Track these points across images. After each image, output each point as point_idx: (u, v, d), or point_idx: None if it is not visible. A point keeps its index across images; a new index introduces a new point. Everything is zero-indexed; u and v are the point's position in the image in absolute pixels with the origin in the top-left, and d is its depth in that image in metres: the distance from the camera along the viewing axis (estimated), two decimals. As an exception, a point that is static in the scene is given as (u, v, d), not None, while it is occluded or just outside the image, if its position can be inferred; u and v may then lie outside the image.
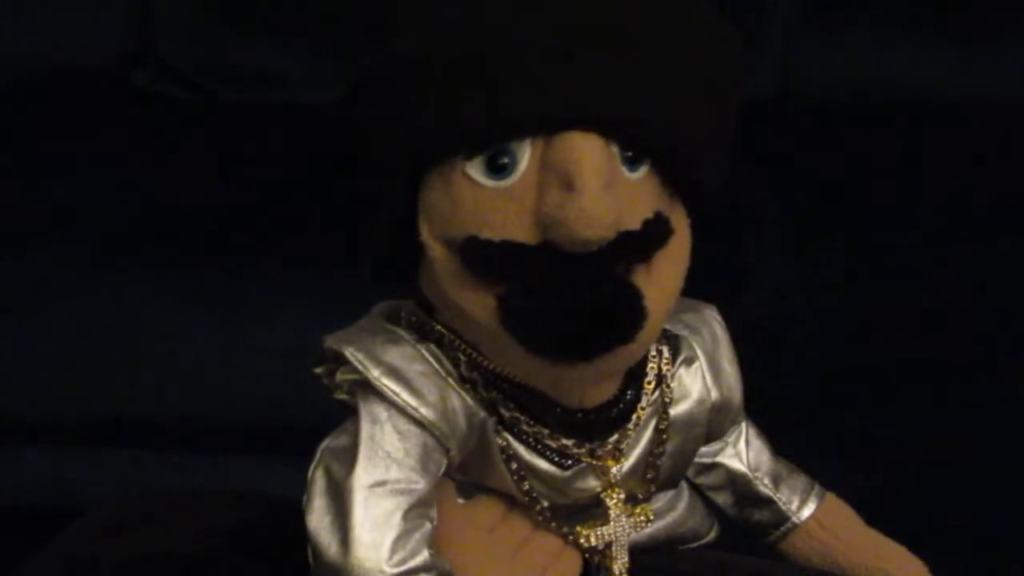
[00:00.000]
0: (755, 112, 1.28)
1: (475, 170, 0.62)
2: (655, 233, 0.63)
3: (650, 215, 0.63)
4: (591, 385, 0.67)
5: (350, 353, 0.66)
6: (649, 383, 0.70)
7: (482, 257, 0.62)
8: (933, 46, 1.39)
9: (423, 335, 0.68)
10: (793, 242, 1.24)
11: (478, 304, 0.63)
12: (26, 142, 1.32)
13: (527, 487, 0.69)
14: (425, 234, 0.65)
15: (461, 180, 0.63)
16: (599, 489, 0.69)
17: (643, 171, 0.63)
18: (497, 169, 0.62)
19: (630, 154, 0.63)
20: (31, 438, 1.20)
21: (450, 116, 0.62)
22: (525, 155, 0.62)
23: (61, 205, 1.26)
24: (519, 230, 0.62)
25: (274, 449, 1.16)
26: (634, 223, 0.62)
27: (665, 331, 0.71)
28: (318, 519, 0.65)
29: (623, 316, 0.62)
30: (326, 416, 0.69)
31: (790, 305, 1.19)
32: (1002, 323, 1.18)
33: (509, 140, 0.62)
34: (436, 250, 0.64)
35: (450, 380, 0.67)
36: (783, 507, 0.77)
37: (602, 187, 0.60)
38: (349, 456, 0.65)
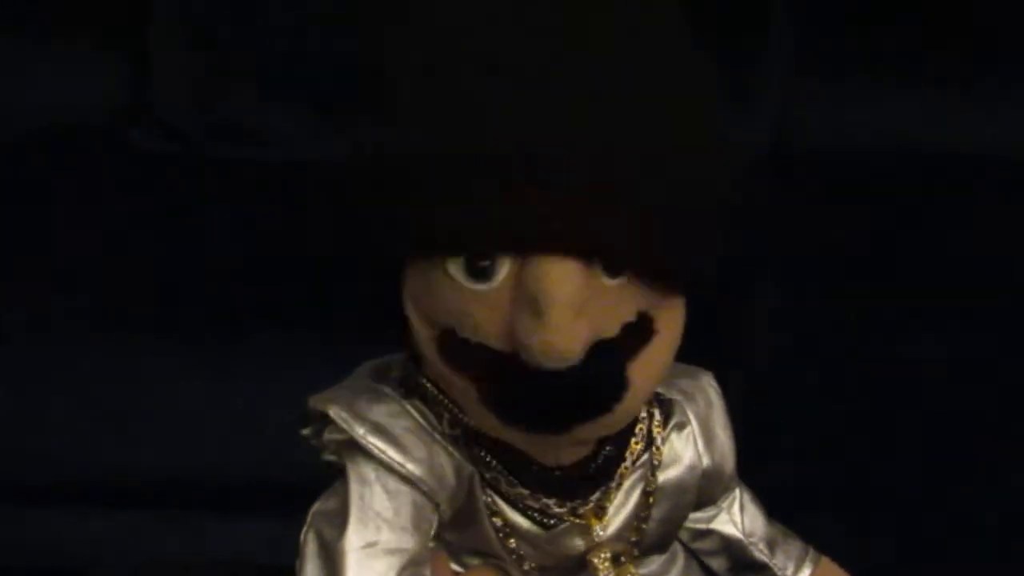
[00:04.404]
0: (750, 166, 1.29)
1: (456, 270, 0.61)
2: (633, 337, 0.62)
3: (631, 318, 0.62)
4: (567, 447, 0.67)
5: (334, 412, 0.66)
6: (636, 443, 0.70)
7: (457, 355, 0.62)
8: (931, 98, 1.39)
9: (409, 390, 0.68)
10: (791, 298, 1.23)
11: (458, 375, 0.63)
12: (22, 200, 1.32)
13: (512, 545, 0.68)
14: (410, 311, 0.64)
15: (442, 276, 0.62)
16: (583, 548, 0.69)
17: (625, 276, 0.62)
18: (477, 272, 0.61)
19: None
20: (25, 500, 1.20)
21: (426, 222, 0.61)
22: (505, 263, 0.61)
23: (57, 264, 1.26)
24: (494, 336, 0.61)
25: (271, 509, 1.15)
26: (612, 329, 0.61)
27: (658, 395, 0.71)
28: None
29: (602, 389, 0.61)
30: (323, 476, 0.68)
31: (789, 360, 1.19)
32: (1011, 379, 1.18)
33: (486, 252, 0.61)
34: (420, 328, 0.64)
35: (436, 435, 0.66)
36: (778, 573, 0.76)
37: (571, 318, 0.59)
38: (339, 518, 0.65)
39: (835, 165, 1.36)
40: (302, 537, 0.66)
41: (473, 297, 0.61)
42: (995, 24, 1.38)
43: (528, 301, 0.59)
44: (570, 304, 0.59)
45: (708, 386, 0.74)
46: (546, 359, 0.59)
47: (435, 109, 0.61)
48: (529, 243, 0.59)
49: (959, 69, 1.40)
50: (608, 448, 0.69)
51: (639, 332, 0.62)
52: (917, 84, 1.40)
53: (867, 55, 1.40)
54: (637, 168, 0.60)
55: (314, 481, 0.68)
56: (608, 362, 0.61)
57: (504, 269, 0.61)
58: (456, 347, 0.62)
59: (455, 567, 0.70)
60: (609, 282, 0.61)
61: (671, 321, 0.64)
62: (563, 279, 0.59)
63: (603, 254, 0.60)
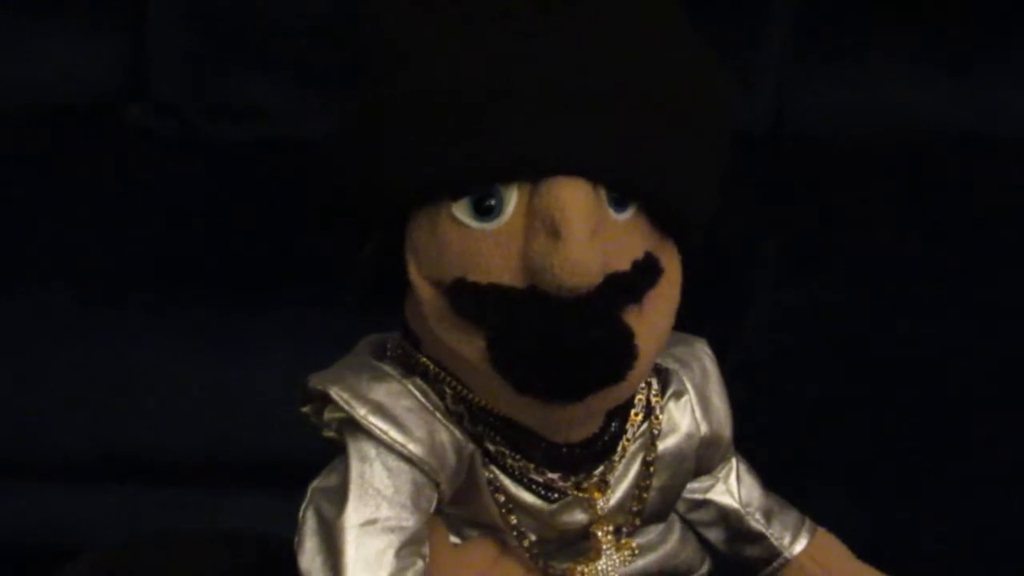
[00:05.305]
0: (750, 145, 1.29)
1: (461, 212, 0.62)
2: (644, 274, 0.63)
3: (639, 256, 0.63)
4: (578, 422, 0.67)
5: (335, 393, 0.66)
6: (637, 415, 0.70)
7: (470, 301, 0.62)
8: (929, 78, 1.39)
9: (409, 369, 0.68)
10: (790, 275, 1.23)
11: (467, 345, 0.63)
12: (18, 179, 1.32)
13: (514, 521, 0.68)
14: (413, 274, 0.64)
15: (448, 222, 0.63)
16: (586, 522, 0.69)
17: (631, 212, 0.63)
18: (484, 211, 0.62)
19: (617, 195, 0.63)
20: (24, 476, 1.20)
21: (436, 158, 0.61)
22: (512, 198, 0.62)
23: (53, 242, 1.26)
24: (506, 274, 0.61)
25: (269, 485, 1.15)
26: (623, 264, 0.62)
27: (655, 364, 0.71)
28: (310, 560, 0.65)
29: (614, 355, 0.62)
30: (321, 452, 0.68)
31: (787, 340, 1.19)
32: (1003, 353, 1.18)
33: (496, 183, 0.62)
34: (424, 290, 0.64)
35: (437, 414, 0.67)
36: (775, 542, 0.76)
37: (588, 234, 0.60)
38: (339, 495, 0.65)
39: (834, 145, 1.36)
40: (301, 513, 0.66)
41: (482, 237, 0.62)
42: (993, 5, 1.38)
43: (544, 223, 0.60)
44: (586, 220, 0.60)
45: (703, 354, 0.74)
46: (567, 276, 0.59)
47: (438, 49, 0.62)
48: (540, 165, 0.61)
49: (958, 50, 1.40)
50: (613, 424, 0.69)
51: (648, 271, 0.63)
52: (915, 64, 1.40)
53: (866, 36, 1.40)
54: (635, 94, 0.62)
55: (314, 457, 0.68)
56: (622, 298, 0.62)
57: (511, 204, 0.62)
58: (468, 295, 0.62)
59: (454, 539, 0.70)
60: (616, 217, 0.62)
61: (672, 270, 0.65)
62: (577, 197, 0.60)
63: (610, 173, 0.61)
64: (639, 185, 0.63)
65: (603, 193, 0.62)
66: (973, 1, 1.39)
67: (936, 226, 1.27)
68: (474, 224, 0.62)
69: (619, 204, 0.63)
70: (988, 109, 1.38)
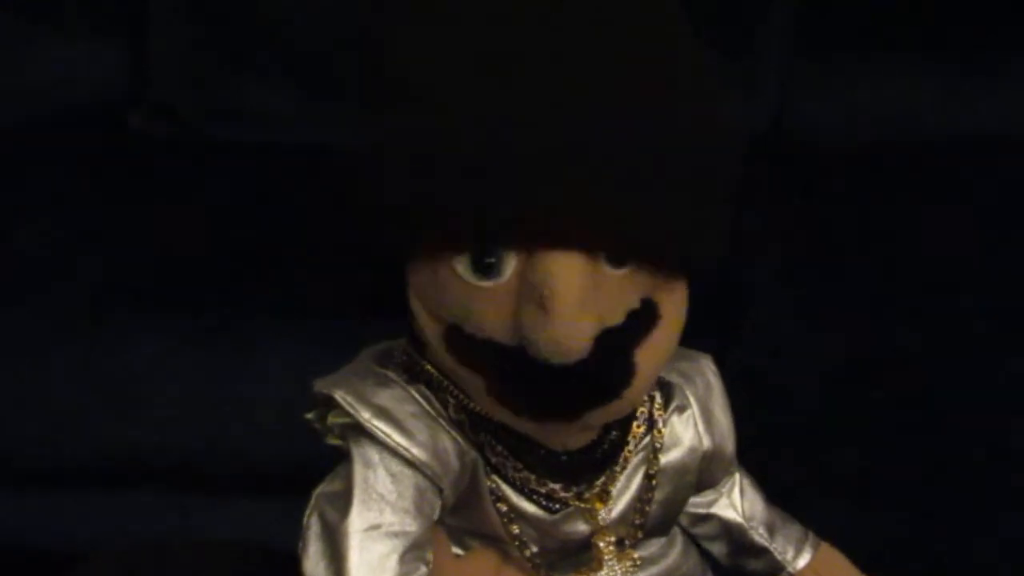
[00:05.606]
0: (749, 149, 1.29)
1: (461, 266, 0.62)
2: (639, 324, 0.63)
3: (635, 305, 0.63)
4: (576, 430, 0.68)
5: (340, 396, 0.67)
6: (639, 427, 0.70)
7: (464, 351, 0.63)
8: (929, 81, 1.39)
9: (413, 376, 0.68)
10: (790, 275, 1.24)
11: (466, 369, 0.64)
12: (21, 183, 1.32)
13: (516, 531, 0.69)
14: (414, 302, 0.65)
15: (448, 271, 0.63)
16: (587, 532, 0.69)
17: (628, 267, 0.63)
18: (483, 269, 0.62)
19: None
20: (26, 480, 1.20)
21: (436, 219, 0.61)
22: (512, 259, 0.62)
23: (54, 245, 1.26)
24: (500, 331, 0.62)
25: (272, 491, 1.16)
26: (617, 317, 0.62)
27: (659, 378, 0.71)
28: (314, 565, 0.65)
29: (609, 375, 0.62)
30: (325, 457, 0.69)
31: (787, 343, 1.19)
32: (1005, 355, 1.18)
33: (493, 248, 0.62)
34: (424, 317, 0.65)
35: (440, 420, 0.67)
36: (778, 556, 0.76)
37: (577, 311, 0.60)
38: (343, 501, 0.65)
39: (834, 145, 1.36)
40: (306, 519, 0.66)
41: (479, 294, 0.62)
42: (994, 6, 1.38)
43: (534, 296, 0.60)
44: (576, 299, 0.60)
45: (707, 369, 0.74)
46: (553, 355, 0.60)
47: (441, 110, 0.61)
48: (536, 238, 0.60)
49: (959, 51, 1.40)
50: (613, 433, 0.69)
51: (644, 318, 0.63)
52: (916, 65, 1.40)
53: (866, 37, 1.40)
54: (639, 161, 0.61)
55: (317, 462, 0.68)
56: (615, 351, 0.62)
57: (510, 265, 0.62)
58: (463, 343, 0.63)
59: (456, 550, 0.70)
60: (613, 271, 0.62)
61: (674, 305, 0.65)
62: (569, 273, 0.60)
63: (608, 247, 0.61)
64: (639, 251, 0.62)
65: (601, 254, 0.61)
66: (974, 2, 1.39)
67: (937, 226, 1.27)
68: (473, 280, 0.62)
69: (617, 260, 0.62)
70: (989, 110, 1.38)
